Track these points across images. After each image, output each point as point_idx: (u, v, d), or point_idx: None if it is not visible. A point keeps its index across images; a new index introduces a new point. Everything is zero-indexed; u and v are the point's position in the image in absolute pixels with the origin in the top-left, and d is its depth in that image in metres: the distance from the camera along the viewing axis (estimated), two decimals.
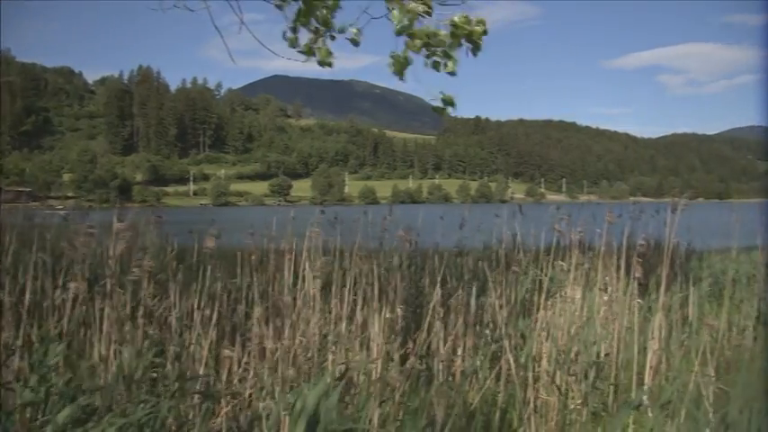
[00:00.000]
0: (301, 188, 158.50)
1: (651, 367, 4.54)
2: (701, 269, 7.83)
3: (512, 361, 4.14)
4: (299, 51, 3.85)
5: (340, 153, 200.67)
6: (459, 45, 3.43)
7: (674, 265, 6.51)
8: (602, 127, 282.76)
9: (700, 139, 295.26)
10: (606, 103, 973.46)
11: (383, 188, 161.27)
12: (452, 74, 3.68)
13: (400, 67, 3.62)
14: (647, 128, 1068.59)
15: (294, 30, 3.84)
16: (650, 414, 4.07)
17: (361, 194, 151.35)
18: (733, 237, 8.27)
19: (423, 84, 3.54)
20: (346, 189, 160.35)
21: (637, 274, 4.62)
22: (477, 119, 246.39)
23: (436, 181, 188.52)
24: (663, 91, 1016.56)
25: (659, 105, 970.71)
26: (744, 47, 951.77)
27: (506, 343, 4.26)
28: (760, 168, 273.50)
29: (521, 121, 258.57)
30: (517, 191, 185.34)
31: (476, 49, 3.64)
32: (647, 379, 4.50)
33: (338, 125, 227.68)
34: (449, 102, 3.71)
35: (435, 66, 3.64)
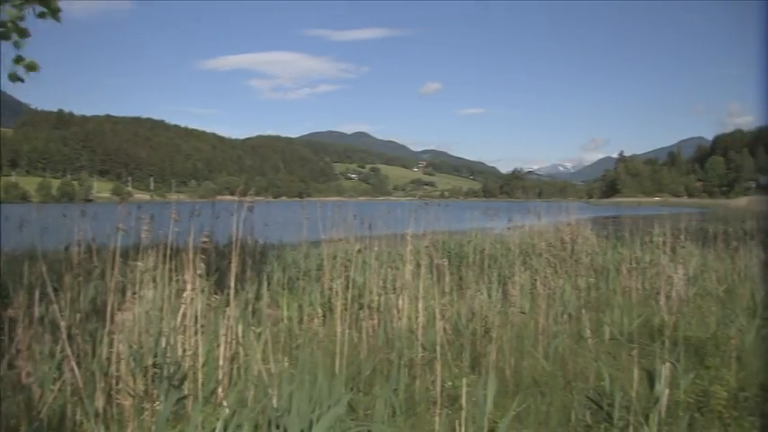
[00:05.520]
0: None
1: (225, 359, 5.19)
2: (274, 263, 8.98)
3: (75, 367, 4.30)
4: None
5: None
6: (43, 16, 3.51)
7: (246, 260, 7.37)
8: (191, 126, 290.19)
9: (284, 141, 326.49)
10: (197, 103, 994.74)
11: None
12: (20, 42, 3.71)
13: None
14: (236, 129, 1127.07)
15: None
16: (225, 405, 4.67)
17: None
18: (303, 232, 9.74)
19: None
20: None
21: (199, 271, 5.25)
22: (60, 113, 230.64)
23: (13, 179, 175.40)
24: (253, 94, 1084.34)
25: (249, 108, 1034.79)
26: (324, 59, 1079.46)
27: (69, 350, 4.40)
28: (336, 169, 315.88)
29: (108, 117, 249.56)
30: (103, 189, 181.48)
31: (53, 11, 3.73)
32: (221, 372, 5.12)
33: None
34: (31, 67, 3.72)
35: (4, 35, 3.64)
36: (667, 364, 4.98)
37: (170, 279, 6.00)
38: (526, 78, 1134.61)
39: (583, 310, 7.74)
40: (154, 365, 4.95)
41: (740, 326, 7.14)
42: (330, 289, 7.98)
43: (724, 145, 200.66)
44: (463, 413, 4.05)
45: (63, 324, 4.82)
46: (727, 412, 5.16)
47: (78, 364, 4.63)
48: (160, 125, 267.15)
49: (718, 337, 7.25)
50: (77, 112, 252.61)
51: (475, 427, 4.36)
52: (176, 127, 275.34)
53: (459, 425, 4.07)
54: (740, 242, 12.81)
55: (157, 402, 4.85)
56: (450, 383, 5.54)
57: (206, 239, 5.82)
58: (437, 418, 4.47)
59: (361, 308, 7.37)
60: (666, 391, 4.88)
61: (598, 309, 8.85)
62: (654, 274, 10.36)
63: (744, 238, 13.53)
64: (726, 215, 35.70)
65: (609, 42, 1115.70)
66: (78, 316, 5.49)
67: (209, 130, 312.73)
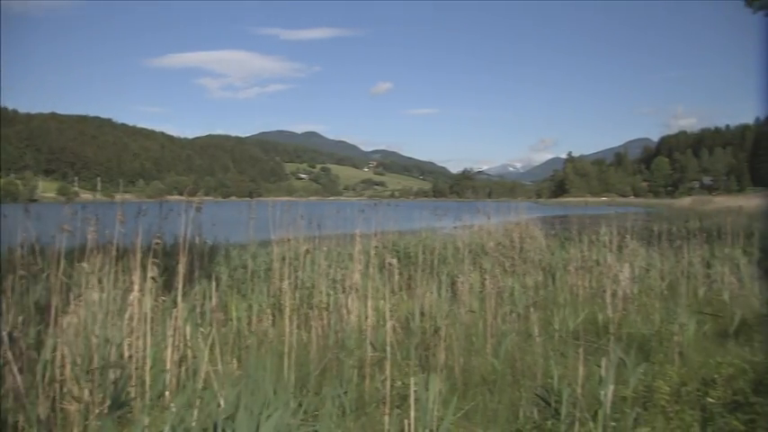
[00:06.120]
0: None
1: (173, 361, 5.13)
2: (222, 263, 8.91)
3: (17, 373, 4.20)
4: None
5: None
6: None
7: (194, 260, 7.30)
8: (140, 125, 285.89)
9: (234, 140, 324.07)
10: (145, 101, 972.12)
11: None
12: None
13: None
14: (185, 128, 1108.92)
15: None
16: (172, 408, 4.61)
17: None
18: (251, 232, 9.69)
19: None
20: None
21: (151, 274, 5.18)
22: (4, 110, 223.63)
23: None
24: (203, 93, 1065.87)
25: (198, 107, 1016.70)
26: (275, 58, 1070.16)
27: (10, 354, 4.30)
28: (287, 169, 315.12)
29: (53, 115, 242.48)
30: (48, 189, 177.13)
31: None
32: (168, 374, 5.06)
33: None
34: None
35: None
36: (614, 361, 5.09)
37: (116, 280, 5.91)
38: (477, 79, 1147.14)
39: (531, 309, 7.87)
40: (99, 369, 4.86)
41: (682, 322, 7.35)
42: (279, 289, 7.95)
43: (669, 146, 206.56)
44: (412, 412, 4.08)
45: (5, 328, 4.70)
46: (670, 406, 5.31)
47: (21, 369, 4.53)
48: (107, 124, 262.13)
49: (662, 333, 7.46)
50: (21, 109, 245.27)
51: (424, 426, 4.40)
52: (124, 126, 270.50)
53: (409, 424, 4.10)
54: (684, 241, 13.16)
55: (103, 407, 4.77)
56: (399, 383, 5.58)
57: (158, 240, 5.75)
58: (387, 418, 4.49)
59: (310, 308, 7.37)
60: (612, 387, 4.99)
61: (546, 307, 9.01)
62: (600, 272, 10.59)
63: (687, 237, 13.91)
64: (670, 215, 36.74)
65: (558, 43, 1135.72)
66: (21, 319, 5.36)
67: (157, 128, 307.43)
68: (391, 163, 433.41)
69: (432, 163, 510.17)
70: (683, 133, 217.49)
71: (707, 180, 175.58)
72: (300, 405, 4.43)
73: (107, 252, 6.11)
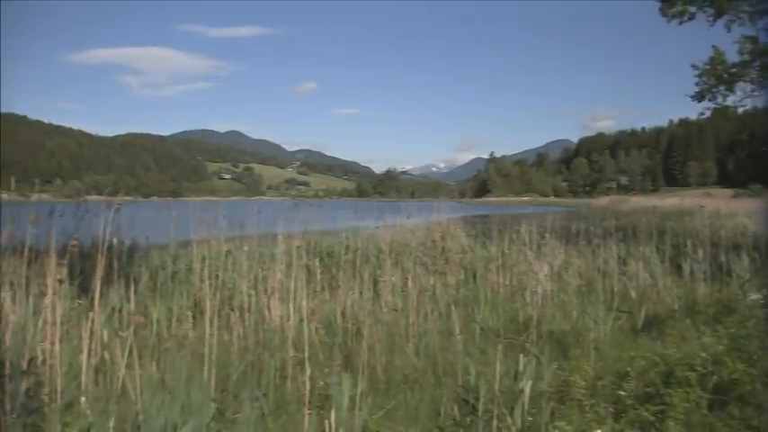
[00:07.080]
0: None
1: (89, 366, 5.01)
2: (141, 265, 8.71)
3: None
4: None
5: None
6: None
7: (112, 262, 7.13)
8: (56, 122, 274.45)
9: (155, 139, 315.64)
10: (63, 98, 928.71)
11: None
12: None
13: None
14: (105, 126, 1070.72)
15: None
16: (88, 414, 4.50)
17: None
18: (171, 233, 9.52)
19: None
20: None
21: (58, 276, 5.05)
22: None
23: None
24: (124, 90, 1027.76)
25: (119, 104, 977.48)
26: (199, 56, 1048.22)
27: None
28: (209, 169, 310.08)
29: None
30: None
31: None
32: (83, 379, 4.93)
33: None
34: None
35: None
36: (531, 358, 5.24)
37: (29, 284, 5.73)
38: (399, 79, 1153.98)
39: (452, 307, 7.98)
40: (9, 375, 4.70)
41: (597, 318, 7.60)
42: (200, 290, 7.85)
43: (588, 147, 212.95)
44: (332, 412, 4.11)
45: None
46: (585, 400, 5.49)
47: None
48: (22, 120, 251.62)
49: (579, 329, 7.69)
50: None
51: (345, 426, 4.43)
52: (39, 123, 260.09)
53: (329, 424, 4.13)
54: (601, 239, 13.55)
55: (14, 414, 4.61)
56: (321, 383, 5.59)
57: (75, 242, 5.61)
58: (307, 418, 4.50)
59: (231, 309, 7.29)
60: (530, 383, 5.13)
61: (467, 305, 9.14)
62: (520, 270, 10.82)
63: (604, 236, 14.33)
64: (589, 214, 37.78)
65: (480, 44, 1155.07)
66: None
67: (75, 126, 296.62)
68: (315, 163, 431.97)
69: (356, 163, 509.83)
70: (601, 135, 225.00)
71: (623, 180, 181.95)
72: (219, 409, 4.39)
73: (19, 254, 5.91)
